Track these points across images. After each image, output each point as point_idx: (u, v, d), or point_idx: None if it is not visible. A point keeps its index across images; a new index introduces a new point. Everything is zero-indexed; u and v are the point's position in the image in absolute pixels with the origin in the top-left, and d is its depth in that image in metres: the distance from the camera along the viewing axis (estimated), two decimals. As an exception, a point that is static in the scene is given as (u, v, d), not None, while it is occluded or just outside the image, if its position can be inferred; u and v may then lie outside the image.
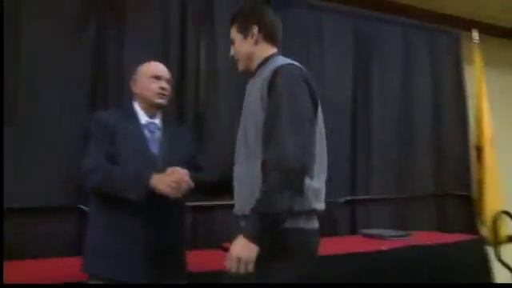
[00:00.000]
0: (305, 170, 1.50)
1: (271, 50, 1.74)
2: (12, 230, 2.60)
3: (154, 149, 2.01)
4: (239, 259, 1.42)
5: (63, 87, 2.79)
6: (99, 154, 1.94)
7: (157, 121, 2.08)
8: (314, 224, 1.64)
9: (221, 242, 2.76)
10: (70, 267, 2.22)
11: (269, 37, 1.73)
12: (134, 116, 2.05)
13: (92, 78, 2.88)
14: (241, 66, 1.78)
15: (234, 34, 1.77)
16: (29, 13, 2.76)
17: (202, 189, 1.95)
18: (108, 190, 1.89)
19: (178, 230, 2.04)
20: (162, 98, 2.07)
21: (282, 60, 1.67)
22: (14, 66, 2.71)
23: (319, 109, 1.67)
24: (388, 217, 3.86)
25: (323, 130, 1.70)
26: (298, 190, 1.51)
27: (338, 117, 3.67)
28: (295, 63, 1.65)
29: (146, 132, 2.03)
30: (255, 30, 1.71)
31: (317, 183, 1.60)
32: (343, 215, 3.67)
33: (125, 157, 1.95)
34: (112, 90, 2.87)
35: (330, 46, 3.74)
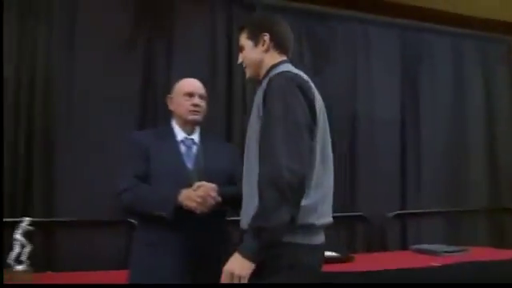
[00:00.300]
0: (303, 183, 1.44)
1: (280, 58, 1.72)
2: (64, 242, 2.76)
3: (190, 164, 2.03)
4: (232, 275, 1.41)
5: (114, 103, 2.91)
6: (131, 173, 1.99)
7: (194, 136, 2.10)
8: (314, 239, 1.56)
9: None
10: (118, 280, 2.27)
11: (279, 45, 1.72)
12: (170, 133, 2.09)
13: (141, 94, 2.99)
14: (249, 73, 1.78)
15: (244, 40, 1.76)
16: (81, 30, 2.92)
17: (230, 203, 1.94)
18: (140, 210, 1.96)
19: (218, 242, 2.03)
20: (195, 115, 2.08)
21: (283, 68, 1.65)
22: (66, 82, 2.87)
23: (322, 116, 1.60)
24: (440, 232, 3.75)
25: (328, 139, 1.64)
26: (298, 203, 1.44)
27: (386, 129, 3.65)
28: (292, 70, 1.61)
29: (182, 148, 2.06)
30: (266, 37, 1.71)
31: (315, 195, 1.52)
32: (393, 230, 3.59)
33: (159, 173, 1.99)
34: (161, 106, 2.93)
35: (377, 59, 3.71)
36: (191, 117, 2.08)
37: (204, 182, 1.89)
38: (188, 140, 2.09)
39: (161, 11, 3.08)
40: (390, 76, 3.76)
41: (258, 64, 1.73)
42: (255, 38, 1.73)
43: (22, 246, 2.29)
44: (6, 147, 2.71)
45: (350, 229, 3.46)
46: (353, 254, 2.94)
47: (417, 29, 3.92)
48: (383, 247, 3.48)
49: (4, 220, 2.53)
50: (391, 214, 3.58)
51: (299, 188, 1.43)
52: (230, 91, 3.17)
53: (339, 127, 3.43)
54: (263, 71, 1.72)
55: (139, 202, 1.95)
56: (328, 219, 1.61)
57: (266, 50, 1.71)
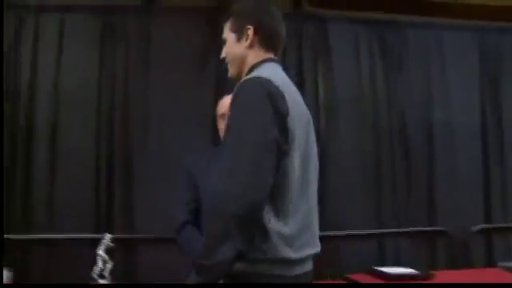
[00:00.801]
0: (253, 212, 1.19)
1: (264, 55, 1.47)
2: (143, 258, 2.87)
3: None
4: None
5: (189, 122, 3.00)
6: (184, 208, 2.02)
7: None
8: (296, 270, 1.32)
9: (344, 273, 2.74)
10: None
11: (265, 40, 1.47)
12: None
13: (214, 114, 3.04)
14: (231, 71, 1.53)
15: (227, 32, 1.53)
16: (156, 54, 3.04)
17: None
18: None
19: None
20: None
21: (263, 69, 1.41)
22: (143, 102, 3.00)
23: (301, 130, 1.36)
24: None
25: (311, 156, 1.41)
26: (248, 236, 1.20)
27: (466, 136, 3.46)
28: (264, 76, 1.32)
29: None
30: (250, 31, 1.46)
31: (292, 224, 1.29)
32: (477, 245, 3.38)
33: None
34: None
35: (452, 63, 3.53)
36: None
37: None
38: None
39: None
40: (467, 79, 3.57)
41: (240, 61, 1.48)
42: (239, 31, 1.48)
43: (104, 262, 2.39)
44: (90, 167, 2.88)
45: (430, 244, 3.29)
46: (433, 272, 2.79)
47: (495, 29, 3.69)
48: (467, 264, 3.28)
49: (88, 236, 2.69)
50: (475, 228, 3.37)
51: (247, 219, 1.18)
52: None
53: (415, 136, 3.31)
54: (246, 70, 1.47)
55: (185, 248, 1.98)
56: (311, 250, 1.37)
57: (250, 46, 1.46)
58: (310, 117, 1.45)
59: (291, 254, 1.27)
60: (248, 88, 1.31)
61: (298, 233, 1.30)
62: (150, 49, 3.07)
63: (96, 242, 2.43)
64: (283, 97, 1.29)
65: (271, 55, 1.48)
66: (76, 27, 3.06)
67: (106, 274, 2.34)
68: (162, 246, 2.86)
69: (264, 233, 1.24)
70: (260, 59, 1.45)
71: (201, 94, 3.04)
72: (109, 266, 2.34)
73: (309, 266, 1.39)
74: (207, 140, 2.98)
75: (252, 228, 1.21)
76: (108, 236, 2.38)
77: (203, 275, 1.21)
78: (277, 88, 1.29)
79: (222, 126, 2.04)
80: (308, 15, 3.26)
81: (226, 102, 2.09)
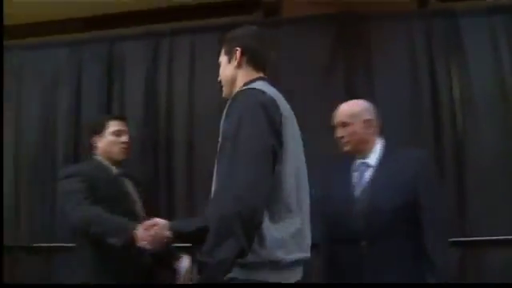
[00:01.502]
0: (255, 214, 1.27)
1: (255, 75, 1.58)
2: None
3: (358, 189, 2.01)
4: None
5: (318, 133, 2.98)
6: None
7: (368, 160, 2.04)
8: (285, 277, 1.39)
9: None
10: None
11: (252, 60, 1.59)
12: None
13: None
14: (224, 91, 1.67)
15: (221, 56, 1.68)
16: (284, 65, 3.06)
17: (186, 238, 1.87)
18: None
19: None
20: (345, 146, 2.09)
21: (254, 85, 1.49)
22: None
23: (294, 140, 1.46)
24: None
25: (302, 165, 1.49)
26: (249, 236, 1.27)
27: None
28: (258, 87, 1.43)
29: (355, 174, 2.04)
30: (238, 52, 1.59)
31: (285, 227, 1.37)
32: None
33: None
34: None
35: None
36: (343, 149, 2.12)
37: (156, 220, 1.88)
38: (362, 165, 2.06)
39: (357, 34, 3.07)
40: None
41: (231, 81, 1.61)
42: (229, 54, 1.63)
43: None
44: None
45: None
46: None
47: None
48: None
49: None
50: None
51: (250, 220, 1.26)
52: (435, 105, 2.95)
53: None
54: (236, 89, 1.56)
55: None
56: (301, 254, 1.43)
57: (239, 66, 1.59)
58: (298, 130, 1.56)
59: (283, 256, 1.34)
60: (241, 98, 1.41)
61: (290, 237, 1.37)
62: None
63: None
64: (277, 106, 1.39)
65: (261, 74, 1.58)
66: (205, 47, 3.24)
67: None
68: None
69: (259, 235, 1.31)
70: (250, 78, 1.56)
71: (329, 102, 3.01)
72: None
73: (299, 274, 1.45)
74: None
75: (254, 229, 1.29)
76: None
77: (206, 272, 1.26)
78: (270, 97, 1.40)
79: (339, 134, 2.09)
80: (436, 10, 3.08)
81: (343, 111, 2.11)
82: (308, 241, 1.48)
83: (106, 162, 2.39)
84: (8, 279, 3.11)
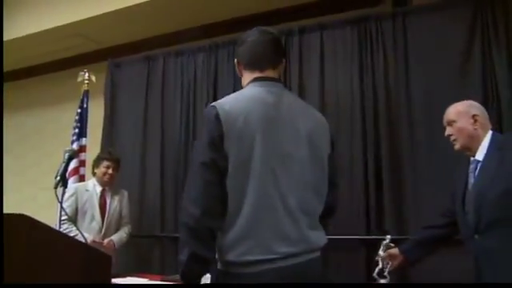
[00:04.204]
0: (197, 224, 1.41)
1: (251, 76, 1.61)
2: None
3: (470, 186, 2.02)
4: None
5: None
6: None
7: (477, 156, 2.03)
8: (253, 273, 1.43)
9: None
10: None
11: (248, 64, 1.63)
12: None
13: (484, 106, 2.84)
14: None
15: None
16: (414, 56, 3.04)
17: None
18: None
19: None
20: (454, 145, 2.10)
21: (243, 91, 1.59)
22: (406, 103, 3.03)
23: (262, 147, 1.45)
24: None
25: (267, 171, 1.45)
26: (201, 243, 1.42)
27: None
28: (220, 101, 1.52)
29: (470, 173, 2.05)
30: (236, 63, 1.68)
31: (232, 233, 1.43)
32: None
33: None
34: (507, 120, 2.78)
35: None
36: (454, 148, 2.12)
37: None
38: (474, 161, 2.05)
39: (495, 11, 2.90)
40: None
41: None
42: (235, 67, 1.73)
43: (384, 262, 2.45)
44: (359, 171, 3.05)
45: None
46: None
47: None
48: None
49: (371, 237, 2.86)
50: None
51: (195, 228, 1.41)
52: None
53: None
54: None
55: None
56: (256, 257, 1.42)
57: (240, 73, 1.67)
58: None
59: (234, 259, 1.43)
60: (204, 115, 1.53)
61: (241, 239, 1.43)
62: (407, 52, 3.08)
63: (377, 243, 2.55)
64: (219, 120, 1.45)
65: (257, 74, 1.60)
66: (334, 41, 3.29)
67: (386, 273, 2.40)
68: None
69: (218, 239, 1.47)
70: (246, 82, 1.63)
71: (467, 93, 2.88)
72: (389, 265, 2.40)
73: (276, 265, 1.43)
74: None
75: (203, 235, 1.42)
76: (388, 237, 2.46)
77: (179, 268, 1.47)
78: (215, 112, 1.46)
79: (447, 132, 2.12)
80: None
81: (449, 110, 2.14)
82: (267, 243, 1.44)
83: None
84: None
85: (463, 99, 2.81)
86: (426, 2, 3.14)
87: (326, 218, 1.63)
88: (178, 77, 3.86)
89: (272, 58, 1.62)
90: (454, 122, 2.09)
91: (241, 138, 1.45)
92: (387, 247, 2.40)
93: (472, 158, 2.06)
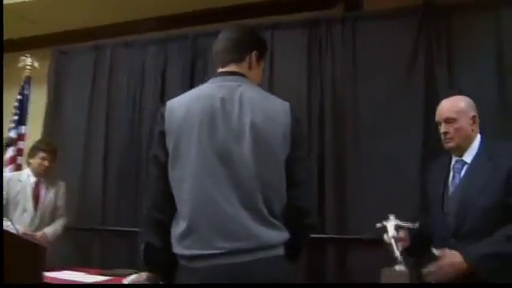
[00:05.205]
0: (147, 215, 1.54)
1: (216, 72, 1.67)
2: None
3: (452, 187, 1.98)
4: None
5: (399, 125, 2.98)
6: None
7: (464, 157, 1.99)
8: (195, 267, 1.44)
9: None
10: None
11: (215, 62, 1.68)
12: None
13: (425, 114, 2.93)
14: None
15: None
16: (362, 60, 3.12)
17: None
18: None
19: None
20: (447, 143, 2.01)
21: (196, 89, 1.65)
22: (352, 110, 3.08)
23: (189, 144, 1.48)
24: None
25: (205, 167, 1.46)
26: (151, 233, 1.53)
27: None
28: (172, 99, 1.59)
29: (451, 172, 2.01)
30: None
31: (180, 226, 1.47)
32: None
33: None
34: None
35: None
36: (446, 146, 2.03)
37: None
38: (457, 163, 2.01)
39: (440, 26, 3.01)
40: None
41: None
42: None
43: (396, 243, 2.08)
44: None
45: None
46: None
47: None
48: None
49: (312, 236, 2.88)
50: None
51: (146, 219, 1.54)
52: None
53: None
54: None
55: None
56: (200, 251, 1.43)
57: None
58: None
59: (181, 252, 1.46)
60: None
61: (185, 234, 1.45)
62: (355, 56, 3.15)
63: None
64: (162, 118, 1.53)
65: (220, 69, 1.64)
66: (284, 41, 3.32)
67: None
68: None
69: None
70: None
71: (410, 98, 2.99)
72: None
73: (218, 261, 1.42)
74: (418, 139, 2.91)
75: (154, 226, 1.52)
76: (392, 216, 2.14)
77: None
78: (162, 110, 1.56)
79: (444, 130, 2.02)
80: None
81: (448, 106, 2.04)
82: (209, 238, 1.43)
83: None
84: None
85: (406, 105, 2.98)
86: (377, 8, 3.22)
87: (300, 219, 1.54)
88: (126, 68, 3.78)
89: (232, 54, 1.62)
90: (453, 120, 2.00)
91: (179, 133, 1.48)
92: (399, 228, 2.10)
93: (457, 158, 2.02)
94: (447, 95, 2.14)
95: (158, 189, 1.52)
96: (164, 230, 1.50)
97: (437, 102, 2.83)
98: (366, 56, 3.11)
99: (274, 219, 1.46)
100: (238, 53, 1.62)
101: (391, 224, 2.07)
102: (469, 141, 1.99)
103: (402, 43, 3.05)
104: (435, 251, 1.85)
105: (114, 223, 3.57)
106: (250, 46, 1.65)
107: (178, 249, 1.47)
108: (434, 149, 2.59)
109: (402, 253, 2.01)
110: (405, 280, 1.93)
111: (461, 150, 2.00)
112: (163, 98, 3.51)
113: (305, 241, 1.62)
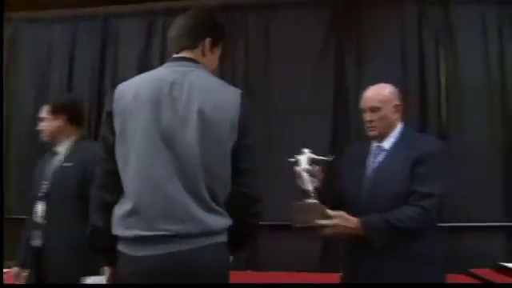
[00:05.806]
0: (94, 196, 1.53)
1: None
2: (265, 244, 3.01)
3: (368, 171, 2.01)
4: None
5: (308, 113, 3.04)
6: None
7: (383, 144, 2.03)
8: (132, 249, 1.43)
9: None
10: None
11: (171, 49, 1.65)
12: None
13: (334, 102, 3.03)
14: None
15: None
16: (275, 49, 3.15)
17: None
18: None
19: None
20: (371, 131, 2.03)
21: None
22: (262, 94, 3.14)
23: (137, 123, 1.45)
24: None
25: (148, 150, 1.44)
26: (96, 214, 1.53)
27: None
28: (127, 81, 1.56)
29: (369, 157, 2.05)
30: None
31: (123, 206, 1.46)
32: None
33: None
34: (353, 114, 2.96)
35: None
36: (369, 133, 2.05)
37: None
38: (377, 148, 2.05)
39: (350, 18, 3.11)
40: None
41: None
42: None
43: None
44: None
45: None
46: None
47: None
48: None
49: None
50: None
51: (96, 202, 1.53)
52: (422, 93, 3.01)
53: None
54: None
55: None
56: (139, 232, 1.41)
57: None
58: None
59: (120, 233, 1.44)
60: None
61: (127, 214, 1.43)
62: (268, 44, 3.17)
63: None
64: (111, 99, 1.52)
65: (173, 55, 1.60)
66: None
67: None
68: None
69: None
70: None
71: (320, 86, 3.06)
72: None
73: (151, 251, 1.41)
74: (326, 127, 2.99)
75: (100, 208, 1.50)
76: (307, 150, 2.06)
77: None
78: (113, 92, 1.54)
79: (368, 118, 2.04)
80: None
81: (372, 95, 2.06)
82: (150, 219, 1.43)
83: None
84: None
85: (317, 96, 3.05)
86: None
87: (248, 206, 1.52)
88: (31, 45, 3.56)
89: (184, 40, 1.58)
90: (378, 109, 2.02)
91: (126, 115, 1.48)
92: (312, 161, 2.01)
93: (376, 144, 2.05)
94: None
95: (104, 169, 1.52)
96: (111, 212, 1.48)
97: (346, 90, 3.01)
98: (278, 44, 3.15)
99: (216, 206, 1.45)
100: (191, 39, 1.58)
101: (304, 157, 2.00)
102: (390, 129, 2.05)
103: (314, 34, 3.11)
104: (331, 212, 1.87)
105: (13, 212, 3.31)
106: (203, 32, 1.60)
107: (118, 230, 1.45)
108: (344, 136, 2.70)
109: (314, 189, 1.94)
110: (317, 212, 1.89)
111: (382, 137, 2.05)
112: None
113: (253, 228, 1.60)
